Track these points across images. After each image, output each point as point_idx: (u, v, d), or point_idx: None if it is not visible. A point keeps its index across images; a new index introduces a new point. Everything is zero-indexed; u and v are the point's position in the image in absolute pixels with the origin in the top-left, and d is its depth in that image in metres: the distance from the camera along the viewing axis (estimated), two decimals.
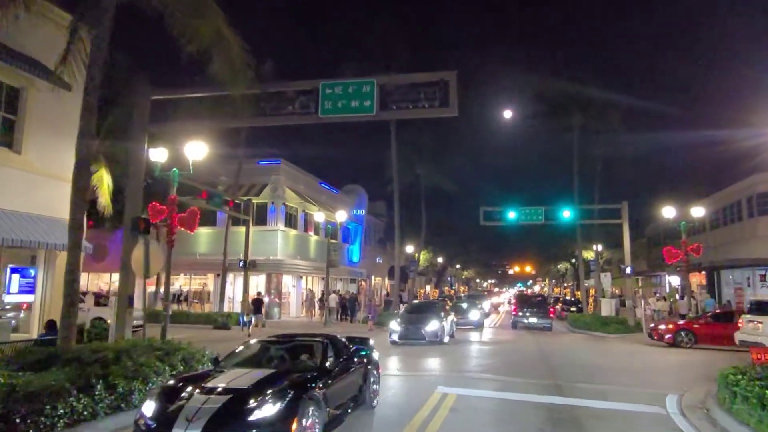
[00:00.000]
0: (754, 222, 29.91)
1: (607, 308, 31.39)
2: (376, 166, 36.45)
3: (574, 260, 55.88)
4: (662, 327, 20.47)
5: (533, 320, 27.04)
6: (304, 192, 34.58)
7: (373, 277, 51.98)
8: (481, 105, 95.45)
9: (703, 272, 38.02)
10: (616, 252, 43.19)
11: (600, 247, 38.30)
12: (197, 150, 14.58)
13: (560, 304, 41.41)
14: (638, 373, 13.69)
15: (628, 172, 36.15)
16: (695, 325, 19.87)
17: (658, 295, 35.36)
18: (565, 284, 76.47)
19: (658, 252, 49.27)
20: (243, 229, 28.32)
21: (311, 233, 35.03)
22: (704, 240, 37.70)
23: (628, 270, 27.59)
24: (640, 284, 50.72)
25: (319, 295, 32.36)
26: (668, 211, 25.37)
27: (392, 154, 34.03)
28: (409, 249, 43.55)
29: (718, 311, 22.24)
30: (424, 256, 46.53)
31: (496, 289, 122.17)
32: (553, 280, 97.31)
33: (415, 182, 39.14)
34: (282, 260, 30.76)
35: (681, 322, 21.00)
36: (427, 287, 65.49)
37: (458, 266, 77.52)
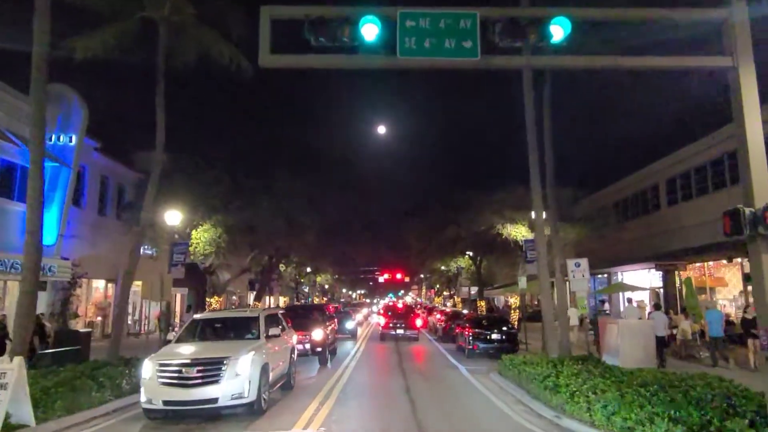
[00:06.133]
0: None
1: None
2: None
3: (468, 253, 36.09)
4: None
5: (400, 332, 27.07)
6: None
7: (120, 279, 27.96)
8: None
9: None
10: (566, 229, 23.57)
11: (535, 216, 17.40)
12: None
13: (468, 329, 20.93)
14: None
15: None
16: None
17: None
18: (451, 292, 56.86)
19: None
20: None
21: None
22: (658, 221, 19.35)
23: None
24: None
25: None
26: None
27: None
28: (175, 219, 20.65)
29: None
30: (206, 234, 23.02)
31: (367, 300, 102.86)
32: (434, 287, 77.53)
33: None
34: None
35: None
36: (251, 297, 42.52)
37: (308, 269, 54.97)
